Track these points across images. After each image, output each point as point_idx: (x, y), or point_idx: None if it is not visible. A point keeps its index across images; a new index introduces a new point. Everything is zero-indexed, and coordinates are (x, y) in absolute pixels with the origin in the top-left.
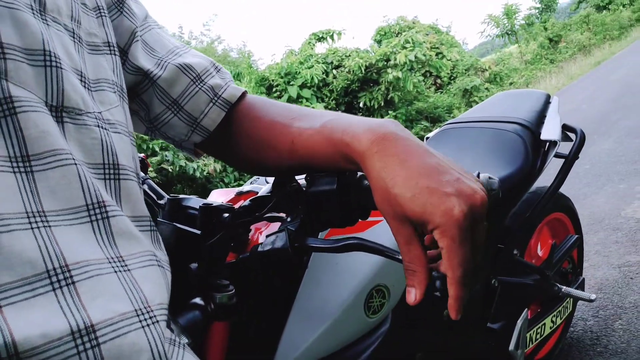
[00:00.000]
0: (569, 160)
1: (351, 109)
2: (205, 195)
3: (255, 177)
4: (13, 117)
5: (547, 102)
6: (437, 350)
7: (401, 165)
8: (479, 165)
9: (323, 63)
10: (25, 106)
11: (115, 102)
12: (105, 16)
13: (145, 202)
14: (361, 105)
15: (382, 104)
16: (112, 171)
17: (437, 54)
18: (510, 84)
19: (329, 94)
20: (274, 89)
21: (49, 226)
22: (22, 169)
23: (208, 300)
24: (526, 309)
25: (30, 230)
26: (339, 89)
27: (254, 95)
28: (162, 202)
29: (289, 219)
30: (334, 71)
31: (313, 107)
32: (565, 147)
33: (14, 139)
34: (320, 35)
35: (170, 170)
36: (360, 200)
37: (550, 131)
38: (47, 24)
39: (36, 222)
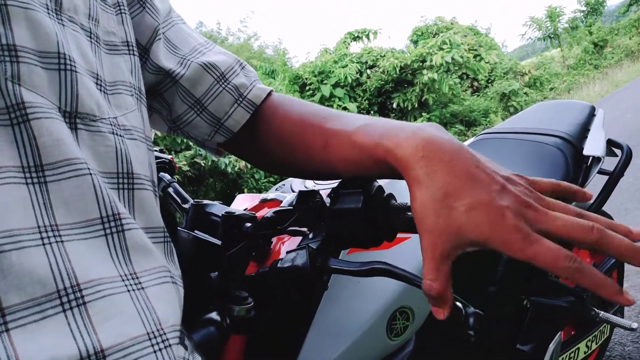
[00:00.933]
0: (614, 177)
1: (384, 109)
2: (235, 189)
3: (281, 183)
4: (26, 124)
5: (591, 114)
6: None
7: (450, 173)
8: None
9: (357, 62)
10: (39, 112)
11: (132, 106)
12: (125, 13)
13: (169, 206)
14: (394, 106)
15: (416, 105)
16: (126, 180)
17: (475, 56)
18: (551, 89)
19: (362, 94)
20: (307, 88)
21: (62, 241)
22: (35, 180)
23: (224, 315)
24: (560, 332)
25: (41, 247)
26: (372, 89)
27: (280, 94)
28: (186, 206)
29: (310, 235)
30: (368, 71)
31: (345, 107)
32: (609, 163)
33: (27, 148)
34: (356, 35)
35: (203, 164)
36: (386, 220)
37: (593, 146)
38: (63, 24)
39: (48, 237)
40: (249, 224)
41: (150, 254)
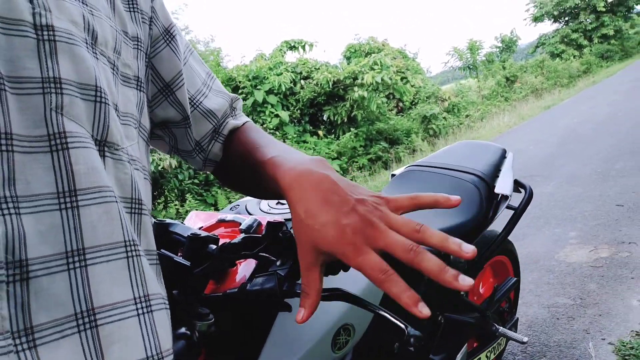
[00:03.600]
0: (517, 213)
1: (315, 121)
2: (155, 188)
3: (235, 203)
4: (65, 152)
5: (502, 156)
6: None
7: (311, 201)
8: (438, 210)
9: (292, 72)
10: (77, 142)
11: (134, 139)
12: (141, 50)
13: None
14: (325, 118)
15: (345, 120)
16: (137, 206)
17: (402, 79)
18: (467, 116)
19: (294, 103)
20: (240, 91)
21: (85, 265)
22: (68, 205)
23: (192, 329)
24: (465, 344)
25: (66, 272)
26: (305, 100)
27: (249, 124)
28: None
29: (278, 263)
30: (302, 81)
31: (278, 114)
32: (516, 199)
33: (64, 174)
34: (292, 44)
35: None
36: None
37: (503, 185)
38: (97, 58)
39: (74, 262)
40: (213, 246)
41: (155, 281)
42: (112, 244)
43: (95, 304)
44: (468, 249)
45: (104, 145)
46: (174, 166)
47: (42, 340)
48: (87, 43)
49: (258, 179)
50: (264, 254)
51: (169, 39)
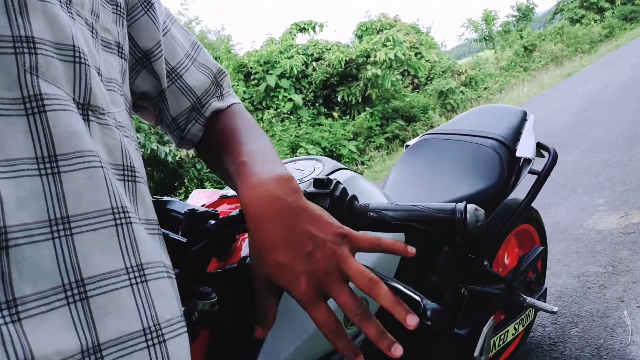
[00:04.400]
0: (541, 177)
1: (329, 102)
2: (175, 179)
3: None
4: (42, 114)
5: (523, 119)
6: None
7: (268, 234)
8: (456, 178)
9: (303, 54)
10: (55, 104)
11: (121, 105)
12: (121, 15)
13: None
14: (339, 99)
15: (360, 100)
16: (130, 173)
17: (416, 54)
18: (485, 88)
19: (307, 86)
20: (252, 77)
21: (71, 234)
22: (49, 170)
23: (192, 309)
24: (492, 317)
25: (51, 241)
26: (317, 82)
27: (236, 107)
28: None
29: None
30: (314, 63)
31: (291, 98)
32: (539, 163)
33: (42, 138)
34: (302, 26)
35: (142, 153)
36: (350, 220)
37: (525, 149)
38: (73, 18)
39: (58, 230)
40: (212, 221)
41: (152, 249)
42: (98, 211)
43: (85, 274)
44: (412, 321)
45: (87, 109)
46: (191, 156)
47: (27, 313)
48: (60, 2)
49: (227, 178)
50: None
51: (147, 7)
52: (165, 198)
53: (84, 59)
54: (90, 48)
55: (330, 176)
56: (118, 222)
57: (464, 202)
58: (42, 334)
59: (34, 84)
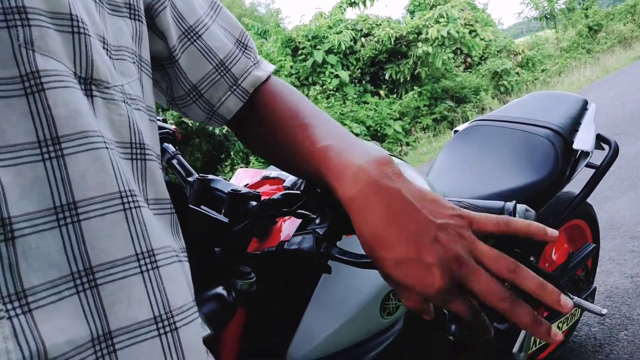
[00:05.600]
0: (599, 172)
1: (376, 80)
2: (222, 151)
3: None
4: (41, 93)
5: (583, 108)
6: (442, 347)
7: (383, 225)
8: (507, 168)
9: (352, 30)
10: (54, 81)
11: (134, 75)
12: None
13: (174, 178)
14: (387, 77)
15: (408, 78)
16: (138, 151)
17: (470, 32)
18: (543, 70)
19: (354, 63)
20: (299, 52)
21: (78, 221)
22: (52, 154)
23: (230, 289)
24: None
25: (57, 229)
26: (365, 58)
27: (278, 81)
28: (190, 179)
29: (317, 221)
30: (363, 39)
31: (338, 74)
32: (597, 156)
33: (43, 120)
34: (353, 0)
35: (190, 124)
36: None
37: (583, 141)
38: None
39: (65, 217)
40: (253, 203)
41: (162, 233)
42: (105, 195)
43: (93, 262)
44: (567, 304)
45: (90, 83)
46: None
47: (37, 303)
48: None
49: (298, 164)
50: (303, 211)
51: None
52: (210, 176)
53: (83, 28)
54: (92, 15)
55: None
56: (127, 206)
57: (514, 202)
58: (52, 323)
59: (29, 60)
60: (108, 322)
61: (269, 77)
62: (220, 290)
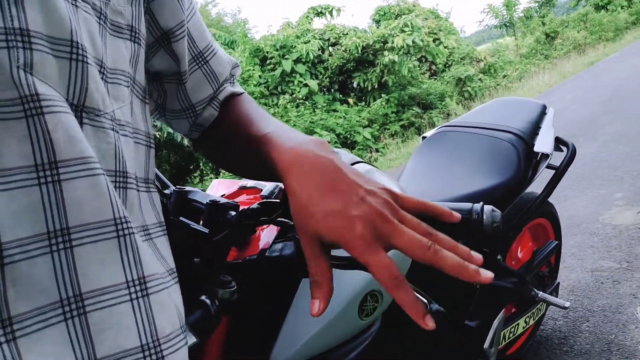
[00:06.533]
0: (559, 173)
1: (344, 88)
2: (191, 162)
3: None
4: (40, 117)
5: (542, 112)
6: (417, 344)
7: (314, 185)
8: (473, 172)
9: (320, 39)
10: (52, 106)
11: (126, 99)
12: None
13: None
14: (355, 85)
15: (376, 86)
16: (121, 179)
17: (434, 40)
18: (504, 76)
19: (323, 71)
20: (267, 62)
21: (71, 247)
22: (49, 179)
23: (213, 298)
24: (503, 310)
25: (49, 255)
26: (333, 67)
27: (242, 97)
28: (167, 191)
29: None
30: (330, 48)
31: (307, 84)
32: (556, 157)
33: (42, 143)
34: (319, 10)
35: (158, 136)
36: None
37: (543, 144)
38: (76, 6)
39: (57, 243)
40: (233, 213)
41: (152, 260)
42: (100, 222)
43: (83, 288)
44: (478, 257)
45: (81, 110)
46: None
47: (22, 331)
48: None
49: (250, 156)
50: (283, 219)
51: None
52: (188, 188)
53: (82, 55)
54: (94, 39)
55: None
56: (120, 233)
57: (481, 203)
58: (37, 352)
59: (28, 83)
60: (95, 350)
61: (241, 94)
62: (204, 299)
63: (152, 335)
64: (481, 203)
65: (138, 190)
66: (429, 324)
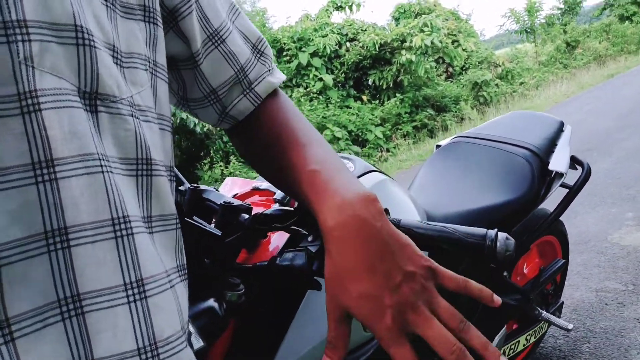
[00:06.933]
0: (572, 192)
1: (359, 85)
2: (202, 149)
3: None
4: (37, 113)
5: (560, 129)
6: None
7: (354, 259)
8: (485, 186)
9: (338, 34)
10: (52, 101)
11: (145, 83)
12: None
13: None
14: (370, 82)
15: (391, 85)
16: (145, 167)
17: (453, 42)
18: (521, 83)
19: (339, 67)
20: (284, 53)
21: (68, 247)
22: (45, 177)
23: (221, 300)
24: (505, 326)
25: (46, 255)
26: (349, 63)
27: (283, 95)
28: (182, 188)
29: (309, 238)
30: (348, 44)
31: (321, 78)
32: (571, 176)
33: (38, 141)
34: (339, 4)
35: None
36: None
37: (559, 162)
38: None
39: (55, 243)
40: (245, 215)
41: (154, 260)
42: (97, 222)
43: (81, 289)
44: None
45: (95, 98)
46: (219, 128)
47: (21, 332)
48: None
49: (286, 180)
50: (295, 227)
51: None
52: (202, 187)
53: (89, 39)
54: (101, 22)
55: (360, 179)
56: (118, 233)
57: (496, 230)
58: (35, 352)
59: (29, 77)
60: (92, 350)
61: (276, 88)
62: (212, 302)
63: (149, 338)
64: (495, 230)
65: (165, 178)
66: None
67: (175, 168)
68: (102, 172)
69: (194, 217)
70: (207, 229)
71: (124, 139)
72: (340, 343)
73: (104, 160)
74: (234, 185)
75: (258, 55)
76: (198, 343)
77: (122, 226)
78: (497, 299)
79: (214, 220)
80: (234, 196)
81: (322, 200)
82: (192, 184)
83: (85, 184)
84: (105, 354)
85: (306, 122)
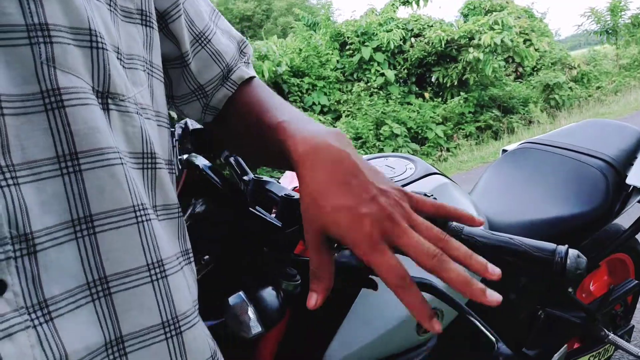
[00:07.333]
0: None
1: (422, 82)
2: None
3: None
4: (61, 110)
5: None
6: None
7: (326, 178)
8: (554, 196)
9: (403, 29)
10: (74, 99)
11: (144, 83)
12: None
13: (231, 176)
14: (433, 79)
15: (455, 83)
16: (149, 160)
17: (525, 41)
18: (598, 87)
19: (402, 62)
20: (347, 47)
21: (94, 233)
22: (70, 169)
23: (278, 289)
24: (566, 344)
25: (74, 241)
26: (413, 59)
27: (258, 81)
28: (245, 178)
29: None
30: (412, 39)
31: (383, 73)
32: None
33: (62, 136)
34: None
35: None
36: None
37: (638, 176)
38: None
39: (81, 230)
40: None
41: (168, 242)
42: (120, 209)
43: (108, 272)
44: (494, 271)
45: (107, 97)
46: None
47: (57, 312)
48: None
49: (263, 144)
50: None
51: None
52: (265, 178)
53: (101, 43)
54: (108, 26)
55: (420, 181)
56: (139, 219)
57: (566, 246)
58: (71, 330)
59: (51, 77)
60: (120, 327)
61: (252, 77)
62: (272, 290)
63: (172, 312)
64: (566, 246)
65: (166, 170)
66: (435, 327)
67: (240, 159)
68: (121, 164)
69: (257, 207)
70: (269, 219)
71: (132, 135)
72: (324, 273)
73: (120, 153)
74: (293, 178)
75: (240, 53)
76: (257, 328)
77: (142, 212)
78: (479, 219)
79: (274, 210)
80: (294, 189)
81: (292, 138)
82: (256, 175)
83: (108, 175)
84: (133, 330)
85: (280, 98)
